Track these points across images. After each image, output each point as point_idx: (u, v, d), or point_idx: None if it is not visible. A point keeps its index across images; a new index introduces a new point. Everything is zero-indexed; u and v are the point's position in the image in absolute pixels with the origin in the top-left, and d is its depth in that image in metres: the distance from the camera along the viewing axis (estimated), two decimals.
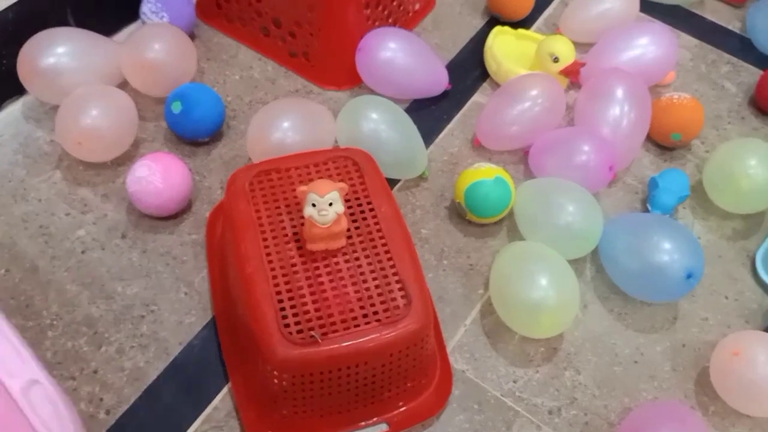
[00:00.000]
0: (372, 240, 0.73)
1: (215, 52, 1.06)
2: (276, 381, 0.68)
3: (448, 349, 0.82)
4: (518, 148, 0.99)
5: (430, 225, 0.92)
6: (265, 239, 0.72)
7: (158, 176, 0.83)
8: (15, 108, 0.95)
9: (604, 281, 0.89)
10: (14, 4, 0.88)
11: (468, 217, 0.90)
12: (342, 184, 0.69)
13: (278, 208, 0.75)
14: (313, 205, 0.67)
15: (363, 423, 0.74)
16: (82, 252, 0.84)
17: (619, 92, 0.96)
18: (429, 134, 0.99)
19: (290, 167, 0.78)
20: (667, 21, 1.16)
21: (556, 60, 1.00)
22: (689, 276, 0.80)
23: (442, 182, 0.96)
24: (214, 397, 0.76)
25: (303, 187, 0.68)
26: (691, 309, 0.88)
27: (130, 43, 0.93)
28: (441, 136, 1.01)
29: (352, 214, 0.75)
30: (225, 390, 0.77)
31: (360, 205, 0.76)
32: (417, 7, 1.14)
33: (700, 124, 1.00)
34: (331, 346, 0.66)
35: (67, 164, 0.91)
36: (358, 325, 0.68)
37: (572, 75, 1.00)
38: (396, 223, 0.75)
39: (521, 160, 0.98)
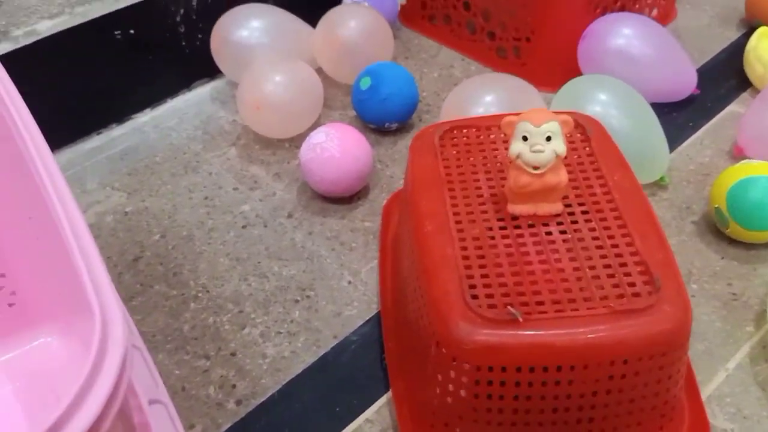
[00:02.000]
0: (600, 211, 0.53)
1: (414, 51, 0.96)
2: (453, 381, 0.48)
3: (703, 398, 0.56)
4: None
5: (671, 240, 0.68)
6: (453, 197, 0.55)
7: (336, 143, 0.70)
8: (204, 90, 0.91)
9: None
10: None
11: (729, 231, 0.66)
12: (567, 117, 0.51)
13: (474, 166, 0.58)
14: (525, 138, 0.50)
15: None
16: (243, 227, 0.73)
17: None
18: (670, 141, 0.77)
19: (492, 125, 0.61)
20: None
21: None
22: None
23: (687, 193, 0.73)
24: (368, 407, 0.57)
25: (511, 118, 0.51)
26: None
27: (324, 21, 0.85)
28: (686, 144, 0.79)
29: (574, 181, 0.55)
30: (383, 400, 0.58)
31: (584, 172, 0.56)
32: (654, 13, 0.96)
33: None
34: (537, 332, 0.46)
35: (244, 142, 0.83)
36: (576, 309, 0.47)
37: None
38: (635, 195, 0.54)
39: None
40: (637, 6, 0.93)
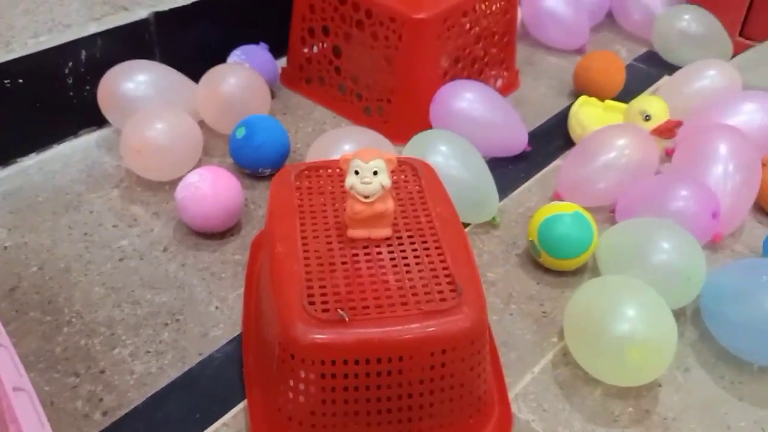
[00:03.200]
0: (422, 235, 0.64)
1: (292, 108, 1.07)
2: (293, 377, 0.56)
3: (510, 396, 0.67)
4: (604, 204, 0.88)
5: (498, 270, 0.81)
6: (303, 224, 0.64)
7: (207, 183, 0.79)
8: (91, 137, 0.97)
9: (710, 346, 0.72)
10: (103, 33, 0.93)
11: (542, 260, 0.79)
12: (390, 155, 0.62)
13: (323, 200, 0.68)
14: (356, 173, 0.60)
15: None
16: (120, 260, 0.79)
17: (723, 147, 0.86)
18: (504, 189, 0.91)
19: (340, 167, 0.71)
20: None
21: (647, 118, 0.92)
22: None
23: (515, 232, 0.86)
24: (225, 413, 0.64)
25: (347, 155, 0.61)
26: None
27: (206, 76, 0.95)
28: (517, 191, 0.93)
29: (403, 212, 0.66)
30: (240, 407, 0.65)
31: (413, 205, 0.67)
32: (499, 83, 1.12)
33: None
34: (361, 329, 0.55)
35: (126, 185, 0.89)
36: (394, 311, 0.56)
37: (666, 133, 0.91)
38: (452, 224, 0.65)
39: (608, 219, 0.87)
40: (482, 77, 1.08)
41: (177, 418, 0.64)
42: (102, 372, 0.67)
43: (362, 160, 0.60)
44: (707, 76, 1.03)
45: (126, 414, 0.64)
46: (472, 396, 0.60)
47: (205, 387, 0.66)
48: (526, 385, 0.68)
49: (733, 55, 1.17)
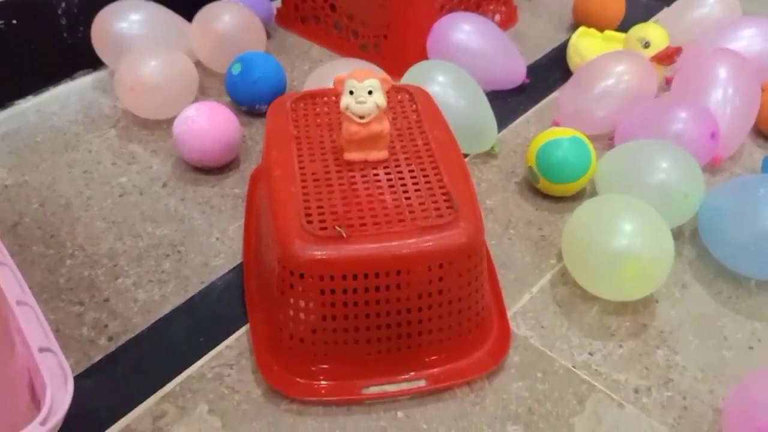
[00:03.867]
0: (419, 157, 0.64)
1: (288, 48, 1.06)
2: (294, 295, 0.57)
3: (509, 314, 0.67)
4: (604, 132, 0.88)
5: (496, 197, 0.81)
6: (299, 149, 0.64)
7: (204, 117, 0.79)
8: (86, 79, 0.97)
9: (708, 264, 0.73)
10: None
11: (540, 185, 0.79)
12: (385, 76, 0.61)
13: (319, 126, 0.68)
14: (351, 93, 0.60)
15: (394, 377, 0.61)
16: (120, 195, 0.80)
17: (723, 71, 0.85)
18: (503, 121, 0.91)
19: (336, 94, 0.71)
20: None
21: (646, 45, 0.91)
22: None
23: (513, 161, 0.86)
24: (229, 336, 0.65)
25: (341, 75, 0.61)
26: None
27: (200, 15, 0.94)
28: (516, 122, 0.93)
29: (400, 136, 0.66)
30: (242, 331, 0.66)
31: (410, 128, 0.67)
32: (497, 18, 1.11)
33: None
34: (357, 245, 0.55)
35: (123, 124, 0.89)
36: (391, 228, 0.57)
37: (666, 60, 0.90)
38: (449, 145, 0.66)
39: (607, 146, 0.87)
40: (480, 11, 1.06)
41: (181, 342, 0.65)
42: (106, 300, 0.68)
43: (357, 80, 0.60)
44: (706, 5, 1.02)
45: (131, 339, 0.65)
46: (470, 311, 0.61)
47: (208, 313, 0.68)
48: (524, 304, 0.69)
49: None
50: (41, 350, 0.46)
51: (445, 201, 0.59)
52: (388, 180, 0.62)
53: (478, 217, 0.59)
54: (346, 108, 0.60)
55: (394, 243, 0.56)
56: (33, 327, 0.48)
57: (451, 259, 0.57)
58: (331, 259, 0.55)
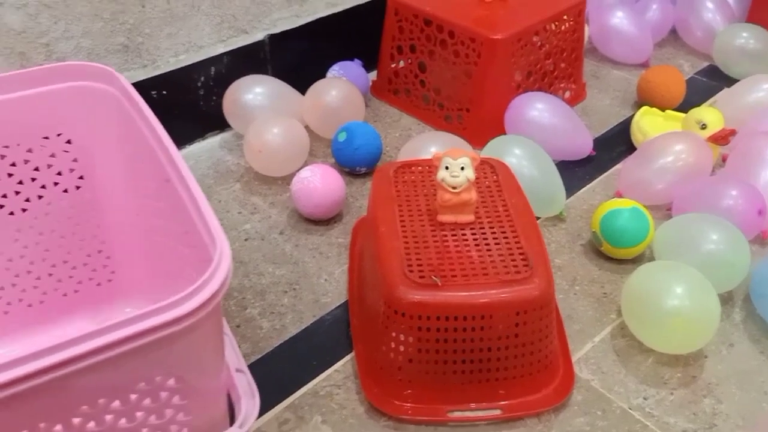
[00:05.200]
0: (500, 220, 0.77)
1: (381, 116, 1.22)
2: (396, 329, 0.70)
3: (573, 359, 0.79)
4: (662, 203, 0.99)
5: (564, 257, 0.93)
6: (401, 211, 0.79)
7: (318, 178, 0.94)
8: (215, 139, 1.15)
9: (756, 324, 0.83)
10: (228, 53, 1.11)
11: (603, 248, 0.91)
12: (474, 154, 0.75)
13: (416, 190, 0.82)
14: (446, 168, 0.74)
15: (474, 404, 0.73)
16: (245, 239, 0.96)
17: None
18: (570, 188, 1.03)
19: (431, 165, 0.85)
20: None
21: (703, 127, 1.02)
22: None
23: (579, 225, 0.98)
24: (337, 362, 0.79)
25: (438, 153, 0.75)
26: None
27: (312, 89, 1.11)
28: (582, 190, 1.05)
29: (484, 203, 0.80)
30: (348, 358, 0.79)
31: (492, 196, 0.81)
32: (567, 95, 1.24)
33: None
34: (449, 293, 0.69)
35: (246, 179, 1.06)
36: (477, 280, 0.70)
37: (721, 140, 1.01)
38: (525, 211, 0.79)
39: (665, 216, 0.98)
40: (552, 89, 1.20)
41: (298, 364, 0.79)
42: (238, 326, 0.83)
43: (452, 158, 0.74)
44: (762, 89, 1.12)
45: (258, 359, 0.79)
46: (540, 354, 0.73)
47: (319, 341, 0.81)
48: (587, 352, 0.80)
49: None
50: (237, 371, 0.61)
51: (521, 259, 0.72)
52: (474, 239, 0.75)
53: (550, 274, 0.71)
54: (442, 180, 0.74)
55: (479, 293, 0.69)
56: (231, 352, 0.63)
57: (525, 308, 0.69)
58: (427, 302, 0.69)
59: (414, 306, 0.69)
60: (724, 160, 1.06)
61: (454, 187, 0.74)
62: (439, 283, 0.69)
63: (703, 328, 0.75)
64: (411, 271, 0.71)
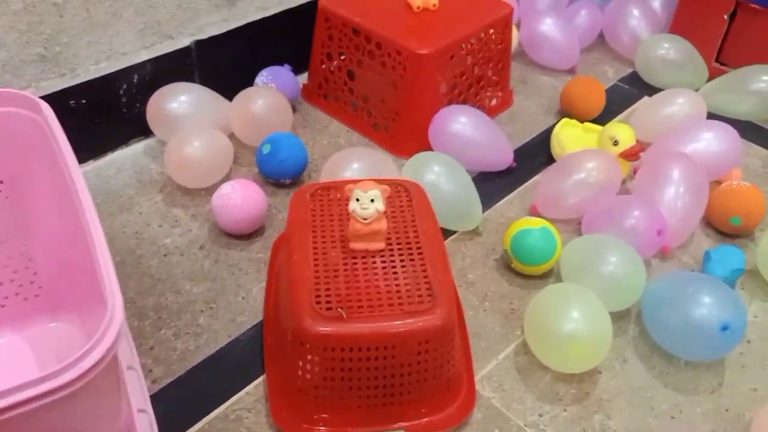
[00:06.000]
0: (409, 248, 0.80)
1: (310, 122, 1.22)
2: (302, 358, 0.73)
3: (477, 377, 0.83)
4: (573, 217, 1.03)
5: (477, 272, 0.97)
6: (314, 238, 0.81)
7: (238, 194, 0.95)
8: (138, 146, 1.14)
9: (647, 341, 0.88)
10: (152, 60, 1.09)
11: (514, 265, 0.94)
12: (385, 187, 0.77)
13: (331, 216, 0.84)
14: (357, 200, 0.76)
15: (380, 427, 0.76)
16: (165, 255, 0.96)
17: (675, 172, 1.00)
18: (489, 200, 1.07)
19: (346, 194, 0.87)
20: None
21: (615, 143, 1.06)
22: (725, 328, 0.79)
23: (494, 239, 1.02)
24: (248, 384, 0.81)
25: (350, 185, 0.77)
26: (740, 378, 0.84)
27: (238, 98, 1.11)
28: (500, 202, 1.08)
29: (395, 228, 0.82)
30: (260, 380, 0.82)
31: (404, 221, 0.83)
32: (494, 102, 1.27)
33: (761, 211, 1.01)
34: (355, 324, 0.71)
35: (169, 189, 1.06)
36: (382, 311, 0.72)
37: (631, 157, 1.06)
38: (434, 238, 0.81)
39: (576, 230, 1.02)
40: (478, 97, 1.23)
41: (210, 387, 0.81)
42: (151, 348, 0.85)
43: (362, 190, 0.76)
44: (676, 104, 1.17)
45: (171, 382, 0.81)
46: (442, 378, 0.76)
47: (233, 363, 0.83)
48: (491, 369, 0.84)
49: (709, 80, 1.30)
50: (139, 411, 0.62)
51: (426, 289, 0.75)
52: (383, 267, 0.77)
53: (452, 304, 0.75)
54: (353, 211, 0.76)
55: (383, 324, 0.72)
56: (137, 388, 0.64)
57: (427, 338, 0.73)
58: (332, 334, 0.71)
59: (319, 338, 0.71)
60: (635, 172, 1.10)
61: (364, 218, 0.76)
62: (345, 316, 0.71)
63: (596, 351, 0.80)
64: (318, 302, 0.73)
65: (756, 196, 1.01)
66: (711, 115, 1.19)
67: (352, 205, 0.76)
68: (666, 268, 0.98)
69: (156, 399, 0.79)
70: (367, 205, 0.76)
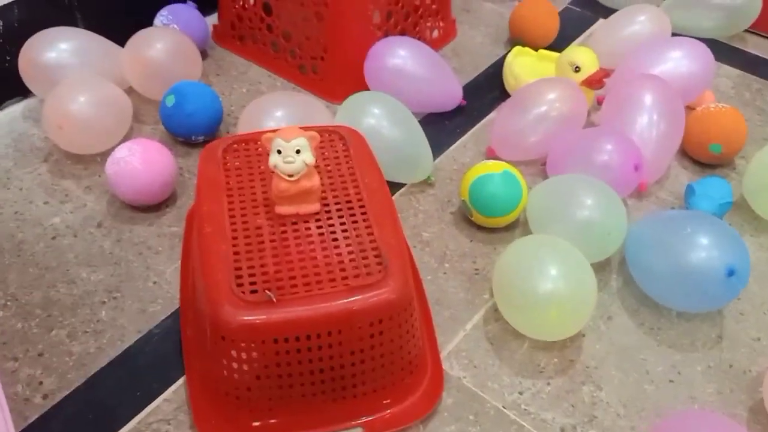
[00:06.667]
0: (351, 208, 0.65)
1: (225, 68, 1.05)
2: (226, 356, 0.58)
3: (443, 354, 0.70)
4: (536, 158, 0.90)
5: (433, 228, 0.83)
6: (231, 203, 0.65)
7: (137, 157, 0.78)
8: (16, 108, 0.94)
9: (633, 293, 0.76)
10: (20, 1, 0.89)
11: (474, 218, 0.81)
12: (313, 133, 0.62)
13: (251, 175, 0.68)
14: (279, 152, 0.60)
15: (333, 426, 0.62)
16: (53, 238, 0.79)
17: (648, 98, 0.87)
18: (440, 146, 0.92)
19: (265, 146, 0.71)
20: None
21: (577, 69, 0.93)
22: (731, 273, 0.67)
23: (449, 189, 0.88)
24: (166, 389, 0.66)
25: (268, 134, 0.61)
26: (739, 328, 0.73)
27: (131, 42, 0.92)
28: (452, 147, 0.94)
29: (332, 184, 0.67)
30: (180, 382, 0.67)
31: (342, 176, 0.68)
32: (435, 34, 1.11)
33: (742, 135, 0.90)
34: (289, 308, 0.56)
35: (55, 158, 0.88)
36: (322, 288, 0.58)
37: (595, 84, 0.92)
38: (379, 194, 0.67)
39: (540, 172, 0.89)
40: (417, 29, 1.07)
41: (117, 397, 0.65)
42: (40, 355, 0.68)
43: (284, 139, 0.60)
44: (638, 22, 1.04)
45: (66, 396, 0.65)
46: (403, 360, 0.63)
47: (145, 364, 0.68)
48: (458, 343, 0.71)
49: None
50: None
51: (375, 257, 0.61)
52: (320, 234, 0.63)
53: (407, 273, 0.61)
54: (275, 167, 0.61)
55: (323, 305, 0.57)
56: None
57: (381, 317, 0.58)
58: (260, 324, 0.56)
59: (244, 330, 0.56)
60: (599, 102, 0.98)
61: (290, 175, 0.61)
62: (275, 299, 0.57)
63: (580, 312, 0.68)
64: (240, 285, 0.58)
65: (736, 119, 0.90)
66: (673, 35, 1.07)
67: (273, 159, 0.61)
68: (644, 208, 0.86)
69: (49, 418, 0.63)
70: (292, 157, 0.60)
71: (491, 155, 0.91)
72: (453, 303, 0.75)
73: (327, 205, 0.65)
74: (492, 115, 0.99)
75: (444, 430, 0.64)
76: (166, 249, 0.78)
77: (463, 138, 0.96)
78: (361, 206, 0.65)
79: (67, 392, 0.65)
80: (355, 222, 0.64)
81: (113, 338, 0.70)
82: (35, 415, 0.63)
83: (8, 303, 0.72)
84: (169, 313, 0.72)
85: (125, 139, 0.88)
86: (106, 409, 0.64)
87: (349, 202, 0.66)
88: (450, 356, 0.70)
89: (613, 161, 0.81)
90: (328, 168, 0.69)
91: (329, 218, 0.64)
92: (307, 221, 0.64)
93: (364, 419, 0.63)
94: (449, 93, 0.98)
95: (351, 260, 0.60)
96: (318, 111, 0.87)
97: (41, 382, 0.66)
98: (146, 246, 0.79)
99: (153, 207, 0.82)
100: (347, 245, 0.62)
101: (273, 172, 0.61)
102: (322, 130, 0.72)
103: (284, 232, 0.63)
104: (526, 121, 0.88)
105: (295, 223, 0.63)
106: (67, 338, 0.69)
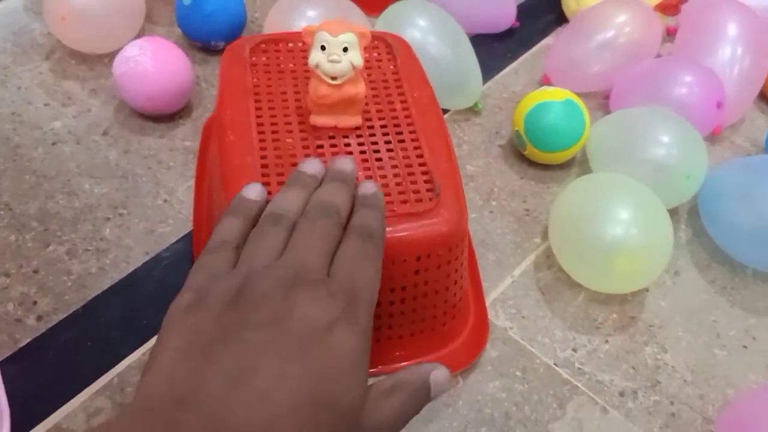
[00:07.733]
0: (397, 125, 0.56)
1: None
2: None
3: (488, 301, 0.62)
4: (598, 90, 0.80)
5: (478, 162, 0.74)
6: (259, 109, 0.55)
7: (149, 57, 0.68)
8: (17, 0, 0.84)
9: (704, 247, 0.68)
10: None
11: (528, 152, 0.72)
12: (365, 29, 0.52)
13: (282, 79, 0.58)
14: (323, 48, 0.51)
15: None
16: (53, 144, 0.70)
17: (732, 27, 0.77)
18: (488, 70, 0.82)
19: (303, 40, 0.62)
20: None
21: None
22: None
23: (498, 119, 0.78)
24: None
25: (312, 26, 0.52)
26: None
27: None
28: (503, 73, 0.84)
29: (376, 97, 0.58)
30: None
31: (387, 88, 0.59)
32: None
33: None
34: None
35: (58, 57, 0.78)
36: None
37: (670, 9, 0.82)
38: (430, 112, 0.57)
39: (601, 106, 0.80)
40: None
41: (120, 325, 0.57)
42: (35, 272, 0.60)
43: (330, 34, 0.50)
44: None
45: (63, 319, 0.57)
46: (446, 304, 0.55)
47: (152, 291, 0.60)
48: (505, 290, 0.63)
49: None
50: None
51: (425, 182, 0.52)
52: (362, 153, 0.53)
53: (462, 203, 0.52)
54: (316, 66, 0.51)
55: None
56: None
57: (429, 251, 0.50)
58: None
59: None
60: (669, 33, 0.87)
61: (333, 77, 0.51)
62: None
63: (652, 264, 0.59)
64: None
65: None
66: None
67: (316, 57, 0.51)
68: (716, 153, 0.77)
69: (43, 343, 0.56)
70: (338, 55, 0.50)
71: (546, 84, 0.81)
72: (500, 246, 0.66)
73: (370, 119, 0.56)
74: (547, 40, 0.89)
75: (487, 387, 0.56)
76: (178, 165, 0.70)
77: (514, 64, 0.85)
78: (410, 124, 0.56)
79: (64, 315, 0.57)
80: (402, 141, 0.54)
81: (117, 259, 0.62)
82: (27, 338, 0.56)
83: (1, 212, 0.64)
84: (180, 236, 0.64)
85: (136, 39, 0.78)
86: (107, 337, 0.56)
87: (395, 117, 0.56)
88: (495, 304, 0.62)
89: (693, 95, 0.71)
90: (371, 78, 0.59)
91: (372, 135, 0.55)
92: (347, 136, 0.54)
93: (395, 366, 0.55)
94: (501, 12, 0.87)
95: (397, 184, 0.51)
96: (355, 16, 0.76)
97: (35, 302, 0.58)
98: (156, 160, 0.70)
99: (165, 117, 0.73)
100: (393, 167, 0.52)
101: (312, 72, 0.52)
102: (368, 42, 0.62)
103: (320, 146, 0.53)
104: (589, 48, 0.78)
105: (332, 137, 0.54)
106: (66, 255, 0.61)
